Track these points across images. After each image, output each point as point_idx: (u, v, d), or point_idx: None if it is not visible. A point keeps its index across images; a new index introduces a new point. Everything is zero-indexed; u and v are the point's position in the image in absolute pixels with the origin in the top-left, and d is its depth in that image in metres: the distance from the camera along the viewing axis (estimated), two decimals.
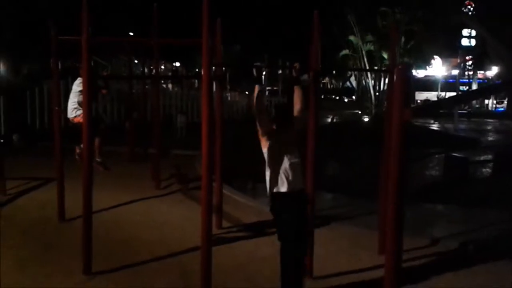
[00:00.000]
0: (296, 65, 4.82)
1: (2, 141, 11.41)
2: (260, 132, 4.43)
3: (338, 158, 13.51)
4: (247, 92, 31.43)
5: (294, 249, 4.38)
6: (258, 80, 4.51)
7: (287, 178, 4.37)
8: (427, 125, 25.36)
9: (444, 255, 5.84)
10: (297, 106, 4.75)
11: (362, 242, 6.16)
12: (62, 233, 6.33)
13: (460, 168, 11.15)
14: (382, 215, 5.58)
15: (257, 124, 4.41)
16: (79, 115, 6.65)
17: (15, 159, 10.07)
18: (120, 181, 9.11)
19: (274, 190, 4.41)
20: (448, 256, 5.77)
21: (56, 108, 6.96)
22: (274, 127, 4.50)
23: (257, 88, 4.42)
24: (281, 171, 4.38)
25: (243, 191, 8.68)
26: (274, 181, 4.40)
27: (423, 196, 8.55)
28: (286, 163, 4.39)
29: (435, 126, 26.03)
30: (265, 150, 4.46)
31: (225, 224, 6.72)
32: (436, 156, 14.45)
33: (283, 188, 4.37)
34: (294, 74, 4.89)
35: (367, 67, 23.27)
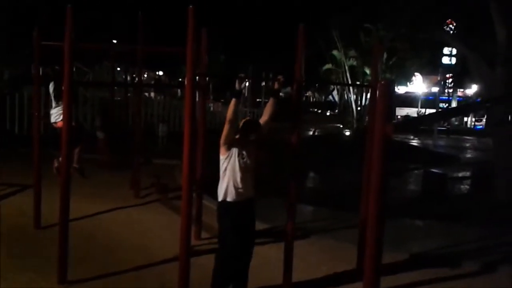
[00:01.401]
0: (280, 77, 4.86)
1: None
2: (222, 140, 4.59)
3: (319, 171, 13.57)
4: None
5: (231, 259, 4.60)
6: (237, 93, 4.59)
7: (236, 189, 4.58)
8: (407, 140, 25.65)
9: (422, 270, 5.86)
10: (264, 117, 4.86)
11: (341, 256, 6.17)
12: (37, 241, 6.21)
13: (439, 184, 11.28)
14: (361, 228, 5.60)
15: (223, 131, 4.56)
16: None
17: None
18: (99, 189, 9.00)
19: (222, 198, 4.61)
20: (426, 271, 5.80)
21: (36, 113, 6.87)
22: (237, 137, 4.61)
23: (233, 101, 4.53)
24: (232, 181, 4.58)
25: None
26: (223, 189, 4.60)
27: (402, 211, 8.60)
28: (238, 175, 4.58)
29: (415, 142, 26.34)
30: (222, 158, 4.65)
31: (204, 235, 6.67)
32: (415, 171, 14.61)
33: (229, 197, 4.58)
34: (275, 86, 4.94)
35: (350, 82, 23.51)
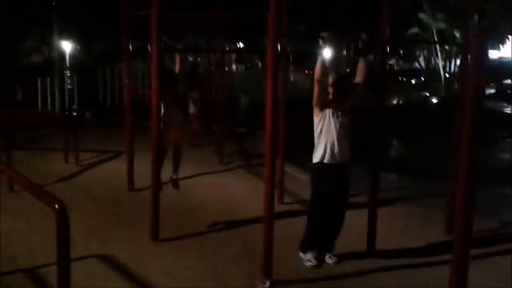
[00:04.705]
0: (363, 36, 4.72)
1: (75, 113, 11.94)
2: (314, 101, 4.52)
3: (404, 140, 13.16)
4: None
5: (322, 222, 4.62)
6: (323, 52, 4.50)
7: (332, 151, 4.50)
8: (500, 108, 24.12)
9: None
10: (358, 78, 4.72)
11: (427, 222, 6.02)
12: (131, 202, 6.62)
13: None
14: (451, 194, 5.40)
15: (314, 93, 4.49)
16: None
17: (87, 133, 10.55)
18: (185, 155, 9.33)
19: (318, 160, 4.55)
20: None
21: (127, 81, 7.20)
22: (331, 97, 4.51)
23: (319, 59, 4.47)
24: (329, 143, 4.50)
25: (305, 169, 8.65)
26: (320, 151, 4.54)
27: (494, 180, 8.15)
28: (335, 135, 4.48)
29: (508, 110, 24.71)
30: (316, 120, 4.57)
31: (286, 200, 6.77)
32: (509, 140, 13.74)
33: (326, 159, 4.52)
34: (360, 45, 4.81)
35: (438, 47, 22.36)
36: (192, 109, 10.05)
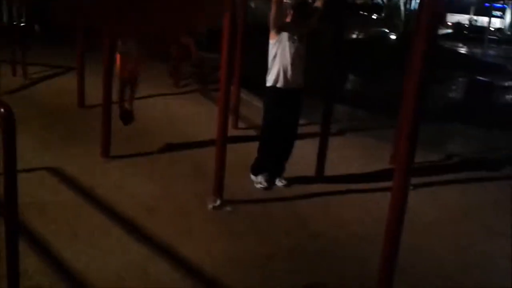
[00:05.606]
0: None
1: (23, 25, 11.23)
2: (271, 23, 4.40)
3: (360, 74, 13.30)
4: None
5: (273, 146, 4.67)
6: None
7: (286, 75, 4.45)
8: (455, 48, 24.58)
9: (456, 170, 5.86)
10: (317, 2, 4.64)
11: (375, 152, 6.21)
12: (82, 118, 6.48)
13: (484, 91, 10.94)
14: (398, 125, 5.56)
15: (271, 15, 4.37)
16: None
17: (36, 47, 10.04)
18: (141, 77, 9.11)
19: (271, 84, 4.51)
20: (460, 171, 5.80)
21: None
22: (288, 20, 4.43)
23: None
24: (282, 67, 4.44)
25: (262, 96, 8.64)
26: (273, 75, 4.49)
27: (443, 115, 8.46)
28: (289, 60, 4.41)
29: (463, 50, 25.23)
30: (271, 43, 4.47)
31: (241, 125, 6.80)
32: (461, 79, 14.15)
33: (279, 83, 4.48)
34: None
35: None
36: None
